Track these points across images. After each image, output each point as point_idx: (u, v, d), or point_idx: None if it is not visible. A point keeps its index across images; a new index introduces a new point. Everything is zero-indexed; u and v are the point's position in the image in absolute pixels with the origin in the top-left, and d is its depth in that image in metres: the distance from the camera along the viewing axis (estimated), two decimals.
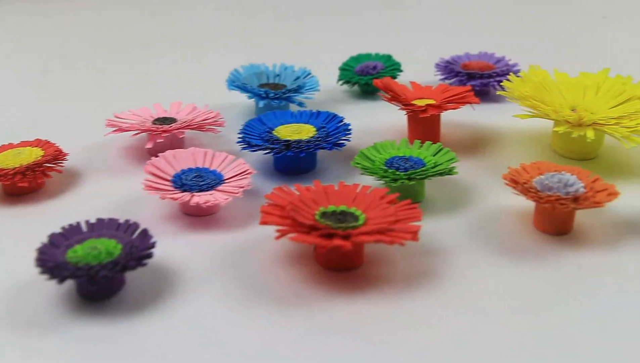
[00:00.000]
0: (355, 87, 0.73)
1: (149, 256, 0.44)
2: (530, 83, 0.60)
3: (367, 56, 0.75)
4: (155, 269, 0.46)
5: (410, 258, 0.47)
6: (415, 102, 0.61)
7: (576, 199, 0.47)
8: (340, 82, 0.73)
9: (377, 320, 0.42)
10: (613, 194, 0.48)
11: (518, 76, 0.62)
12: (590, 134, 0.54)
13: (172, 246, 0.49)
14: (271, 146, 0.55)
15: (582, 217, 0.50)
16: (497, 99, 0.70)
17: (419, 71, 0.75)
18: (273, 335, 0.41)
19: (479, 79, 0.70)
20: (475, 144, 0.62)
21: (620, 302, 0.43)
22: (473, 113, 0.64)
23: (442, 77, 0.72)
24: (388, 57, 0.74)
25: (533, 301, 0.44)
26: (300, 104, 0.66)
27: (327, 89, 0.74)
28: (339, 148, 0.56)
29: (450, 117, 0.64)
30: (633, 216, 0.51)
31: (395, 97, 0.60)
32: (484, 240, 0.49)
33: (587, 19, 1.01)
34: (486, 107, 0.68)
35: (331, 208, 0.47)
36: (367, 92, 0.72)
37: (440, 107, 0.58)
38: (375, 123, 0.65)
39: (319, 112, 0.61)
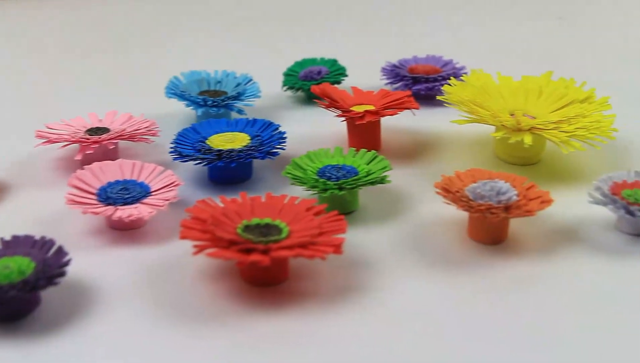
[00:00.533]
0: (301, 93, 0.71)
1: (62, 274, 0.42)
2: (470, 87, 0.59)
3: (312, 61, 0.73)
4: (74, 286, 0.45)
5: (338, 272, 0.46)
6: (354, 108, 0.60)
7: (508, 208, 0.46)
8: (284, 88, 0.71)
9: (300, 336, 0.41)
10: (546, 202, 0.47)
11: (460, 80, 0.60)
12: (527, 139, 0.53)
13: (94, 262, 0.47)
14: (202, 156, 0.54)
15: (517, 225, 0.49)
16: (443, 104, 0.69)
17: (365, 76, 0.74)
18: (192, 354, 0.40)
19: (424, 83, 0.69)
20: (417, 150, 0.61)
21: (554, 312, 0.42)
22: (417, 118, 0.62)
23: (388, 81, 0.71)
24: (333, 62, 0.73)
25: (465, 314, 0.42)
26: (240, 111, 0.64)
27: (272, 95, 0.72)
28: (272, 156, 0.55)
29: (393, 123, 0.63)
30: (570, 223, 0.50)
31: (333, 104, 0.59)
32: (417, 251, 0.48)
33: (543, 20, 1.00)
34: (432, 112, 0.67)
35: (255, 221, 0.46)
36: (312, 98, 0.71)
37: (377, 114, 0.57)
38: (318, 130, 0.64)
39: (255, 120, 0.59)
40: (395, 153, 0.60)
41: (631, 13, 1.02)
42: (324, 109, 0.60)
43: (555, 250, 0.48)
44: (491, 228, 0.48)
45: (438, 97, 0.58)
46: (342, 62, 0.73)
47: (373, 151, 0.53)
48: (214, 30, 0.99)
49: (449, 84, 0.60)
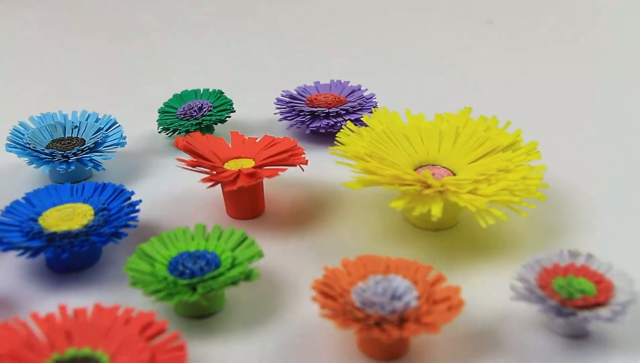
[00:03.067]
0: (178, 134, 0.59)
1: None
2: (370, 135, 0.48)
3: (193, 93, 0.61)
4: None
5: None
6: (229, 164, 0.48)
7: (403, 320, 0.35)
8: (159, 129, 0.59)
9: None
10: (454, 309, 0.36)
11: (359, 124, 0.49)
12: (436, 211, 0.42)
13: None
14: (25, 245, 0.42)
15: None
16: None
17: (257, 108, 0.62)
18: None
19: (325, 119, 0.58)
20: (309, 211, 0.50)
21: None
22: (313, 165, 0.51)
23: (282, 116, 0.59)
24: (218, 94, 0.61)
25: None
26: (97, 167, 0.52)
27: (146, 137, 0.60)
28: (116, 240, 0.43)
29: (282, 175, 0.51)
30: (490, 321, 0.40)
31: (200, 163, 0.47)
32: None
33: (470, 23, 0.89)
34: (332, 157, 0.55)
35: (70, 353, 0.34)
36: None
37: (253, 176, 0.46)
38: (194, 188, 0.52)
39: (104, 186, 0.48)
40: (281, 216, 0.49)
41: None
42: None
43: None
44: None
45: (330, 151, 0.47)
46: (232, 91, 0.62)
47: (241, 232, 0.42)
48: (83, 59, 0.84)
49: (340, 131, 0.48)
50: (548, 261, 0.40)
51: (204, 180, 0.45)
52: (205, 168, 0.47)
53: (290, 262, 0.44)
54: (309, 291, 0.38)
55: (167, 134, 0.58)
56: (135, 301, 0.40)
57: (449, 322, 0.35)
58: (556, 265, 0.39)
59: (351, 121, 0.57)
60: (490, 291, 0.41)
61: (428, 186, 0.43)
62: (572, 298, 0.37)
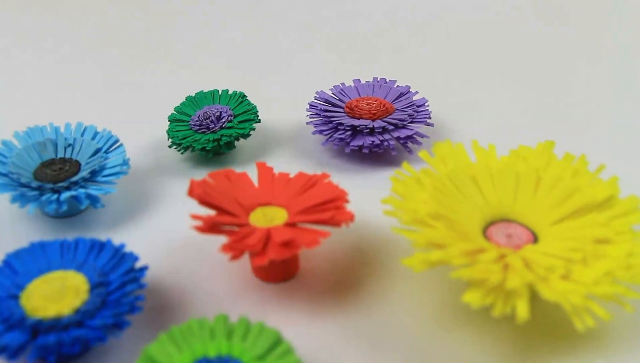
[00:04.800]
0: (192, 152, 0.50)
1: None
2: (431, 183, 0.38)
3: (210, 96, 0.51)
4: None
5: None
6: (255, 215, 0.39)
7: None
8: (169, 142, 0.49)
9: None
10: None
11: (407, 146, 0.40)
12: (522, 310, 0.32)
13: None
14: (2, 344, 0.33)
15: None
16: (399, 162, 0.49)
17: (287, 114, 0.52)
18: None
19: (369, 136, 0.48)
20: (350, 274, 0.40)
21: None
22: (356, 197, 0.42)
23: (316, 130, 0.49)
24: (240, 98, 0.51)
25: None
26: (94, 204, 0.43)
27: (156, 148, 0.51)
28: (117, 333, 0.34)
29: None
30: None
31: (219, 220, 0.38)
32: None
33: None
34: (377, 187, 0.46)
35: None
36: (218, 153, 0.50)
37: (289, 246, 0.36)
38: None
39: (102, 247, 0.38)
40: (319, 282, 0.40)
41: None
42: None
43: None
44: None
45: (384, 211, 0.37)
46: (255, 89, 0.52)
47: (273, 334, 0.33)
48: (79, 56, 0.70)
49: (404, 170, 0.39)
50: None
51: (225, 250, 0.36)
52: (226, 225, 0.38)
53: (330, 350, 0.36)
54: None
55: (179, 150, 0.49)
56: None
57: None
58: None
59: (400, 139, 0.47)
60: None
61: (508, 268, 0.33)
62: None
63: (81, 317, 0.35)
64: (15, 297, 0.36)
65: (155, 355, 0.33)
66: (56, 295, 0.36)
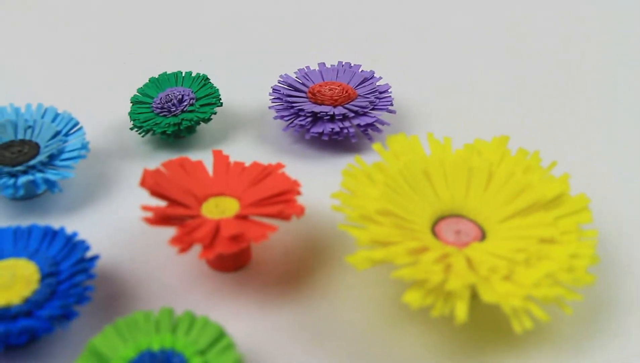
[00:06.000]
0: (152, 135, 0.50)
1: None
2: (382, 179, 0.39)
3: (173, 78, 0.51)
4: None
5: None
6: (207, 205, 0.39)
7: None
8: (131, 125, 0.49)
9: None
10: None
11: (366, 133, 0.40)
12: (461, 312, 0.33)
13: None
14: None
15: None
16: (359, 150, 0.49)
17: (250, 97, 0.52)
18: None
19: (329, 123, 0.48)
20: (301, 265, 0.41)
21: None
22: (312, 185, 0.42)
23: (277, 115, 0.49)
24: (203, 81, 0.51)
25: None
26: (51, 188, 0.43)
27: (117, 128, 0.51)
28: (65, 323, 0.35)
29: None
30: None
31: (170, 212, 0.38)
32: None
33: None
34: (337, 170, 0.46)
35: None
36: (178, 136, 0.50)
37: (236, 240, 0.37)
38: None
39: (54, 234, 0.39)
40: (269, 273, 0.40)
41: None
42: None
43: None
44: None
45: (333, 207, 0.38)
46: (218, 73, 0.52)
47: (216, 328, 0.34)
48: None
49: (356, 163, 0.39)
50: None
51: (173, 243, 0.36)
52: (176, 217, 0.38)
53: (276, 343, 0.36)
54: None
55: (140, 133, 0.49)
56: None
57: None
58: None
59: (360, 126, 0.48)
60: None
61: (450, 269, 0.34)
62: None
63: (30, 307, 0.35)
64: None
65: (100, 347, 0.33)
66: (6, 284, 0.36)
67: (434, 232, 0.38)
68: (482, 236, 0.39)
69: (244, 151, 0.48)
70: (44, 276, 0.37)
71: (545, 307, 0.37)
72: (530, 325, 0.33)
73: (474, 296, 0.36)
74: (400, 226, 0.37)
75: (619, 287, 0.39)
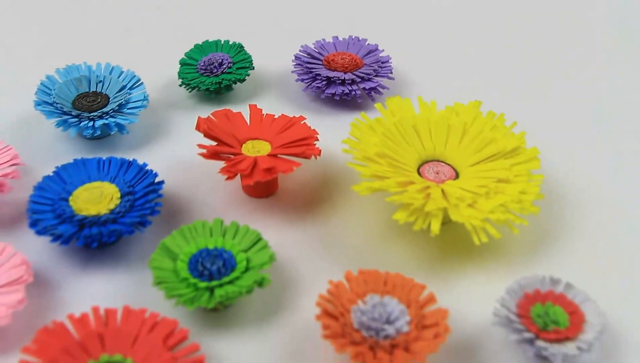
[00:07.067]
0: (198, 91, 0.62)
1: None
2: (381, 130, 0.51)
3: (214, 45, 0.63)
4: None
5: None
6: (246, 146, 0.51)
7: (394, 345, 0.40)
8: (180, 82, 0.61)
9: None
10: (439, 338, 0.41)
11: (369, 94, 0.52)
12: (435, 227, 0.45)
13: None
14: (58, 232, 0.46)
15: None
16: (364, 108, 0.60)
17: (276, 63, 0.64)
18: None
19: (340, 86, 0.60)
20: (317, 193, 0.53)
21: None
22: (327, 136, 0.54)
23: (299, 78, 0.61)
24: (238, 48, 0.62)
25: None
26: (121, 130, 0.55)
27: (169, 85, 0.62)
28: (141, 229, 0.47)
29: None
30: (470, 336, 0.44)
31: (217, 150, 0.50)
32: None
33: None
34: (346, 126, 0.58)
35: (104, 358, 0.39)
36: (219, 93, 0.62)
37: (270, 171, 0.49)
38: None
39: (130, 164, 0.51)
40: (293, 197, 0.53)
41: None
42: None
43: None
44: None
45: (344, 150, 0.50)
46: (251, 42, 0.63)
47: (255, 234, 0.46)
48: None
49: (349, 135, 0.51)
50: (530, 287, 0.44)
51: (222, 172, 0.49)
52: (224, 153, 0.50)
53: (297, 250, 0.49)
54: (312, 286, 0.45)
55: (187, 89, 0.61)
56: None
57: (434, 351, 0.40)
58: (537, 291, 0.44)
59: (365, 89, 0.59)
60: (475, 301, 0.45)
61: (429, 197, 0.46)
62: (546, 329, 0.42)
63: (115, 216, 0.47)
64: (66, 200, 0.48)
65: (169, 245, 0.46)
66: (95, 199, 0.48)
67: (419, 172, 0.51)
68: (456, 176, 0.51)
69: (272, 106, 0.59)
70: (124, 195, 0.49)
71: (499, 228, 0.49)
72: (486, 239, 0.46)
73: (445, 222, 0.49)
74: (393, 165, 0.49)
75: (558, 217, 0.51)
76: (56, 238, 0.46)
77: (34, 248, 0.48)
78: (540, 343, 0.41)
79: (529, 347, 0.41)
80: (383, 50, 0.64)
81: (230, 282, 0.43)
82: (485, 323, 0.44)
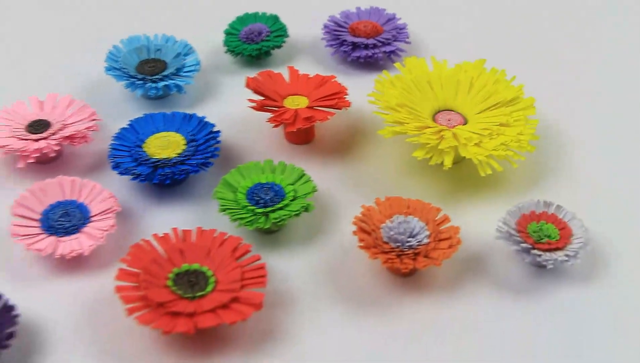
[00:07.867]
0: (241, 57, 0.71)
1: (10, 336, 0.46)
2: (400, 85, 0.60)
3: (253, 17, 0.72)
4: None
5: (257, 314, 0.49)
6: (287, 102, 0.61)
7: (417, 254, 0.50)
8: (225, 49, 0.71)
9: None
10: (453, 248, 0.51)
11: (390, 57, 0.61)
12: (448, 162, 0.55)
13: (36, 297, 0.50)
14: (137, 172, 0.56)
15: None
16: (384, 69, 0.70)
17: (307, 32, 0.73)
18: None
19: (364, 50, 0.69)
20: (352, 139, 0.63)
21: (462, 349, 0.48)
22: (355, 94, 0.63)
23: (327, 44, 0.71)
24: (274, 19, 0.72)
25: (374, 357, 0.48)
26: (179, 91, 0.65)
27: (215, 52, 0.72)
28: (205, 169, 0.57)
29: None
30: (479, 250, 0.54)
31: (265, 103, 0.60)
32: (332, 284, 0.52)
33: None
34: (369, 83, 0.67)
35: (185, 267, 0.49)
36: (259, 58, 0.71)
37: (309, 119, 0.59)
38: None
39: (190, 117, 0.61)
40: (328, 144, 0.62)
41: None
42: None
43: (462, 286, 0.52)
44: None
45: (369, 101, 0.60)
46: (285, 13, 0.73)
47: (300, 170, 0.56)
48: None
49: (374, 88, 0.60)
50: (527, 209, 0.54)
51: (270, 121, 0.59)
52: (269, 106, 0.60)
53: (333, 185, 0.58)
54: (347, 214, 0.54)
55: (232, 55, 0.70)
56: (215, 213, 0.54)
57: (449, 257, 0.50)
58: (532, 212, 0.53)
59: (386, 52, 0.69)
60: (482, 221, 0.55)
61: (442, 138, 0.56)
62: (540, 241, 0.51)
63: (182, 159, 0.57)
64: (140, 146, 0.58)
65: (229, 180, 0.56)
66: (165, 146, 0.58)
67: (433, 119, 0.60)
68: (465, 122, 0.60)
69: (306, 68, 0.68)
70: (188, 142, 0.59)
71: (501, 163, 0.58)
72: (490, 171, 0.55)
73: (456, 162, 0.58)
74: (411, 113, 0.58)
75: (550, 154, 0.61)
76: (136, 176, 0.56)
77: (115, 187, 0.58)
78: (535, 252, 0.51)
79: (526, 255, 0.51)
80: (400, 18, 0.73)
81: (282, 208, 0.53)
82: (490, 238, 0.54)
